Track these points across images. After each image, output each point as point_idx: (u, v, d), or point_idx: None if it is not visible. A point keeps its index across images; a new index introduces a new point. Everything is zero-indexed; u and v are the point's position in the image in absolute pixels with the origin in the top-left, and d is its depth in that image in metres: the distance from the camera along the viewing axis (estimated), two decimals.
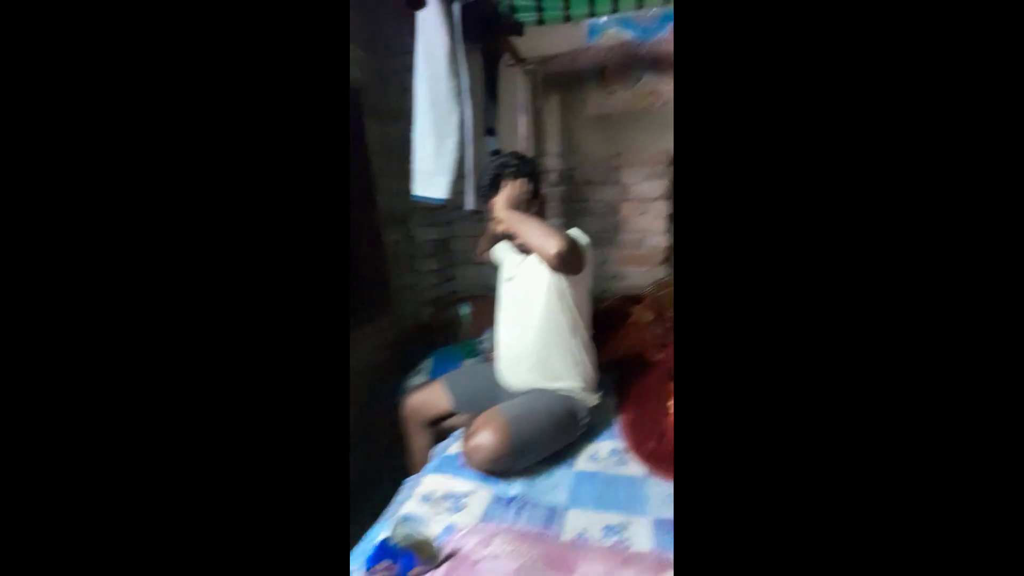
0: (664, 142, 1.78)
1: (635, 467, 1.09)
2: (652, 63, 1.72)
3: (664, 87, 1.75)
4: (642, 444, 1.14)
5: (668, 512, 0.93)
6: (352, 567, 0.77)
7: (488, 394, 1.29)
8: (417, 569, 0.63)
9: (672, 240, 1.83)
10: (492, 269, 2.10)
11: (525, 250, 1.22)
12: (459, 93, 1.20)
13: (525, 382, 1.22)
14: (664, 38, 1.68)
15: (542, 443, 1.10)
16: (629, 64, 1.76)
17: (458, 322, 2.01)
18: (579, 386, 1.21)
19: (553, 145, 1.92)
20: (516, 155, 1.24)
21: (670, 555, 0.75)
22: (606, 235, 1.89)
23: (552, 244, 1.01)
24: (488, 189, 1.19)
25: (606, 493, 1.01)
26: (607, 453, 1.16)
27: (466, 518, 0.91)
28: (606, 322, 1.56)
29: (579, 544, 0.79)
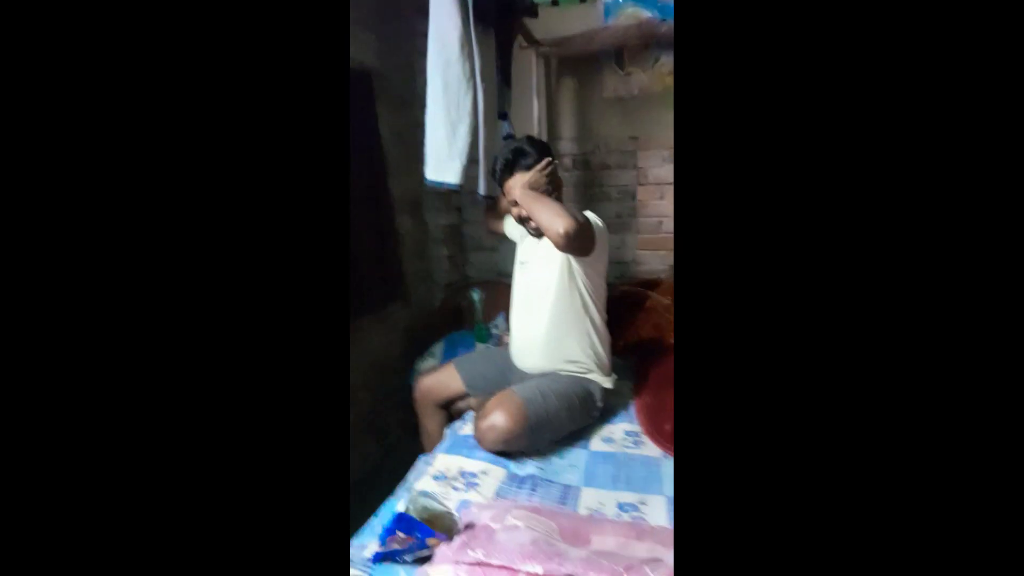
0: None
1: (650, 448, 1.09)
2: (671, 43, 1.68)
3: None
4: (658, 426, 1.13)
5: None
6: (367, 539, 0.80)
7: (500, 376, 1.30)
8: (433, 540, 0.65)
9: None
10: (504, 255, 2.11)
11: (540, 233, 1.22)
12: (472, 76, 1.20)
13: (538, 365, 1.23)
14: None
15: (555, 424, 1.10)
16: (647, 44, 1.72)
17: (470, 307, 2.02)
18: (593, 369, 1.21)
19: (568, 129, 1.90)
20: (531, 139, 1.24)
21: None
22: (623, 220, 1.87)
23: (560, 223, 1.01)
24: (503, 173, 1.19)
25: (621, 473, 1.01)
26: (622, 435, 1.16)
27: (480, 496, 0.93)
28: (623, 306, 1.55)
29: (595, 518, 0.80)
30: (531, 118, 1.78)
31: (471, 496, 0.92)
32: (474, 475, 1.00)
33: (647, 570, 0.56)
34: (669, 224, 1.82)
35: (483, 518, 0.70)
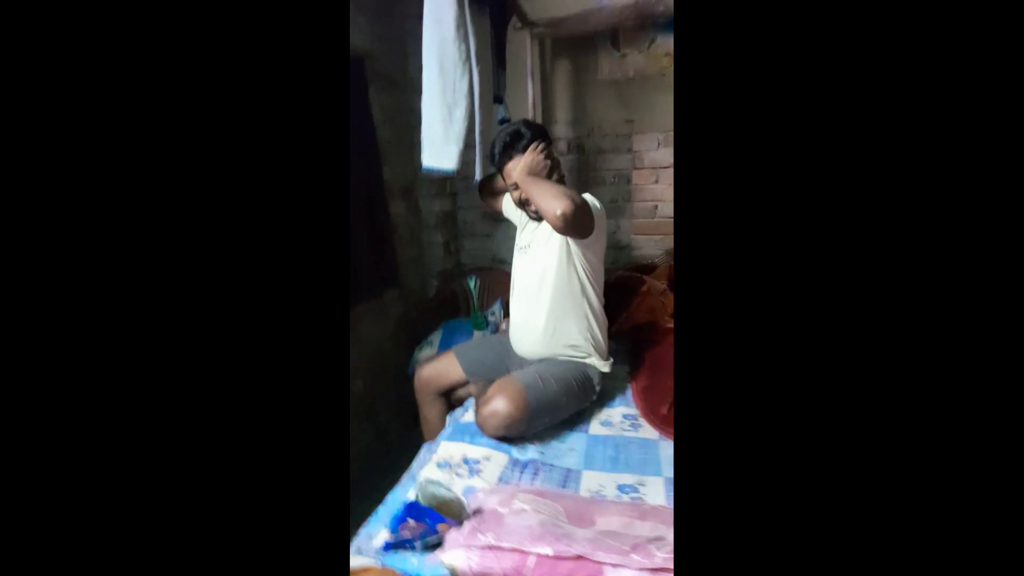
0: None
1: (648, 431, 1.11)
2: (667, 23, 1.66)
3: None
4: (655, 410, 1.15)
5: None
6: (376, 528, 0.80)
7: (499, 363, 1.31)
8: (443, 526, 0.66)
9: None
10: (499, 241, 2.11)
11: (538, 217, 1.21)
12: (468, 59, 1.17)
13: (537, 350, 1.23)
14: None
15: (555, 409, 1.11)
16: (642, 25, 1.70)
17: (466, 294, 2.02)
18: (591, 353, 1.22)
19: (563, 112, 1.88)
20: (528, 122, 1.23)
21: None
22: (618, 205, 1.87)
23: (557, 205, 1.00)
24: (502, 156, 1.19)
25: (620, 455, 1.03)
26: (620, 418, 1.18)
27: (483, 481, 0.94)
28: (619, 291, 1.56)
29: (598, 499, 0.81)
30: (526, 101, 1.76)
31: (475, 482, 0.93)
32: (477, 461, 1.01)
33: (652, 548, 0.58)
34: (664, 208, 1.82)
35: (491, 503, 0.71)
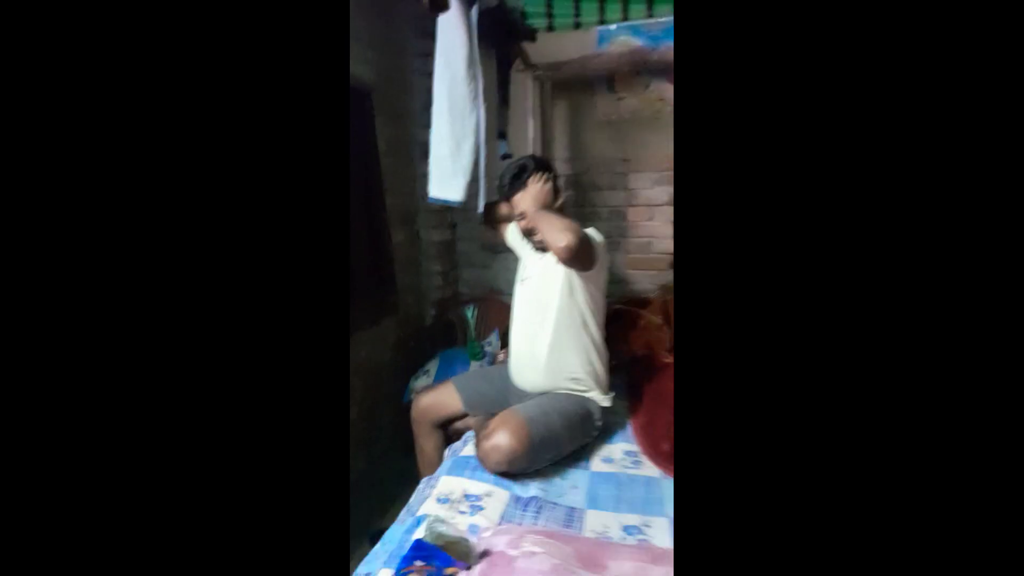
0: (671, 148, 1.80)
1: (649, 468, 1.10)
2: (661, 70, 1.75)
3: (672, 95, 1.77)
4: (656, 447, 1.14)
5: None
6: (376, 567, 0.77)
7: (500, 396, 1.30)
8: (452, 569, 0.64)
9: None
10: (496, 272, 2.12)
11: (542, 249, 1.23)
12: (476, 96, 1.21)
13: (539, 383, 1.23)
14: (672, 47, 1.70)
15: (558, 444, 1.10)
16: (638, 71, 1.78)
17: (464, 324, 2.01)
18: (592, 387, 1.21)
19: (561, 150, 1.94)
20: (535, 157, 1.27)
21: None
22: (612, 240, 1.90)
23: (563, 237, 1.03)
24: (510, 187, 1.21)
25: (623, 494, 1.01)
26: (621, 454, 1.17)
27: (485, 519, 0.91)
28: (615, 325, 1.57)
29: (607, 542, 0.80)
30: (526, 138, 1.81)
31: (478, 520, 0.90)
32: (478, 497, 0.99)
33: None
34: (658, 244, 1.87)
35: (499, 544, 0.69)
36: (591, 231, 1.18)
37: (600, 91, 1.85)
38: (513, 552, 0.66)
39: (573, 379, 1.21)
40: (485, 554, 0.67)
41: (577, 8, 1.48)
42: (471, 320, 1.95)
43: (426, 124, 1.25)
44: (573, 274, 1.16)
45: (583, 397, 1.20)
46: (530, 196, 1.18)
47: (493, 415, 1.17)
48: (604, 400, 1.23)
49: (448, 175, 1.22)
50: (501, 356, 1.73)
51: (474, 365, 1.76)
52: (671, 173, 1.80)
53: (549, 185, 1.20)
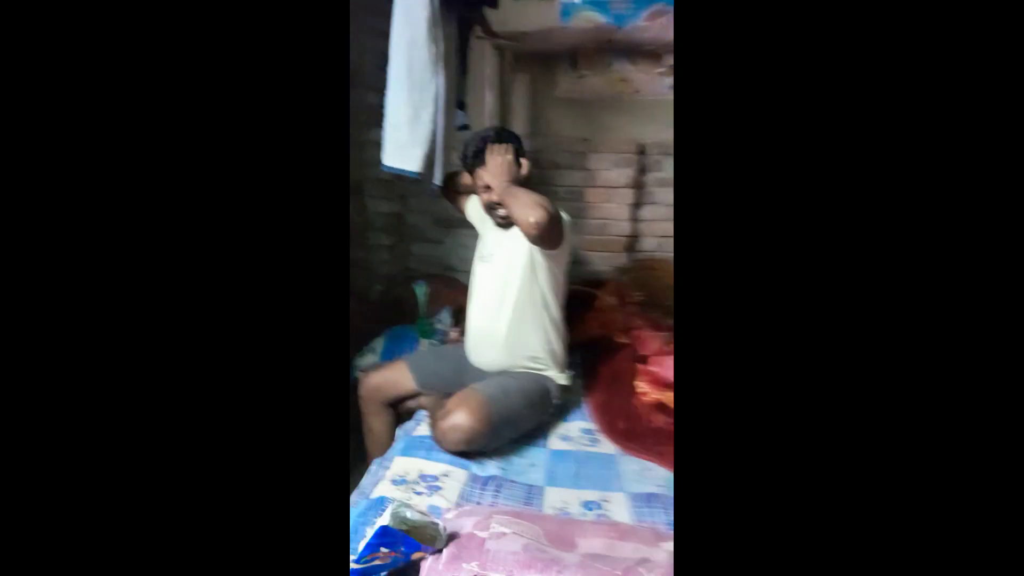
0: (633, 130, 1.81)
1: (607, 446, 1.12)
2: (625, 50, 1.74)
3: (636, 75, 1.77)
4: (612, 424, 1.17)
5: (642, 487, 0.96)
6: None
7: (455, 375, 1.26)
8: (419, 554, 0.61)
9: (634, 228, 1.88)
10: (449, 248, 2.06)
11: (504, 224, 1.20)
12: (438, 62, 1.14)
13: (497, 361, 1.21)
14: (638, 26, 1.69)
15: (517, 422, 1.09)
16: (602, 49, 1.76)
17: (412, 301, 1.94)
18: (551, 365, 1.21)
19: (520, 125, 1.89)
20: (501, 128, 1.23)
21: (666, 528, 0.78)
22: (570, 220, 1.90)
23: (533, 213, 1.01)
24: (473, 159, 1.16)
25: (581, 471, 1.02)
26: (579, 432, 1.18)
27: (443, 499, 0.89)
28: (572, 305, 1.57)
29: (575, 520, 0.80)
30: (484, 110, 1.74)
31: (437, 501, 0.88)
32: (435, 478, 0.96)
33: (642, 571, 0.57)
34: (614, 226, 1.88)
35: (466, 526, 0.67)
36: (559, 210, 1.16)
37: (562, 67, 1.81)
38: (482, 534, 0.64)
39: (532, 358, 1.20)
40: (452, 537, 0.65)
41: None
42: (422, 297, 1.89)
43: (375, 86, 1.17)
44: (536, 252, 1.14)
45: (541, 375, 1.20)
46: (495, 169, 1.14)
47: (448, 394, 1.14)
48: (562, 378, 1.23)
49: (405, 144, 1.14)
50: (453, 335, 1.69)
51: (424, 343, 1.71)
52: (631, 156, 1.81)
53: (513, 158, 1.16)
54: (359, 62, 1.80)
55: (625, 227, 1.87)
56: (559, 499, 0.93)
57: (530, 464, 1.05)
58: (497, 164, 1.14)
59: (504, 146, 1.16)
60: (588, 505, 0.91)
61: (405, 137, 1.15)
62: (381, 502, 0.86)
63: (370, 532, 0.62)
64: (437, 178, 1.36)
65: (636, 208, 1.88)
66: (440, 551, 0.62)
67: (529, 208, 1.01)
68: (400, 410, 1.32)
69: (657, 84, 1.83)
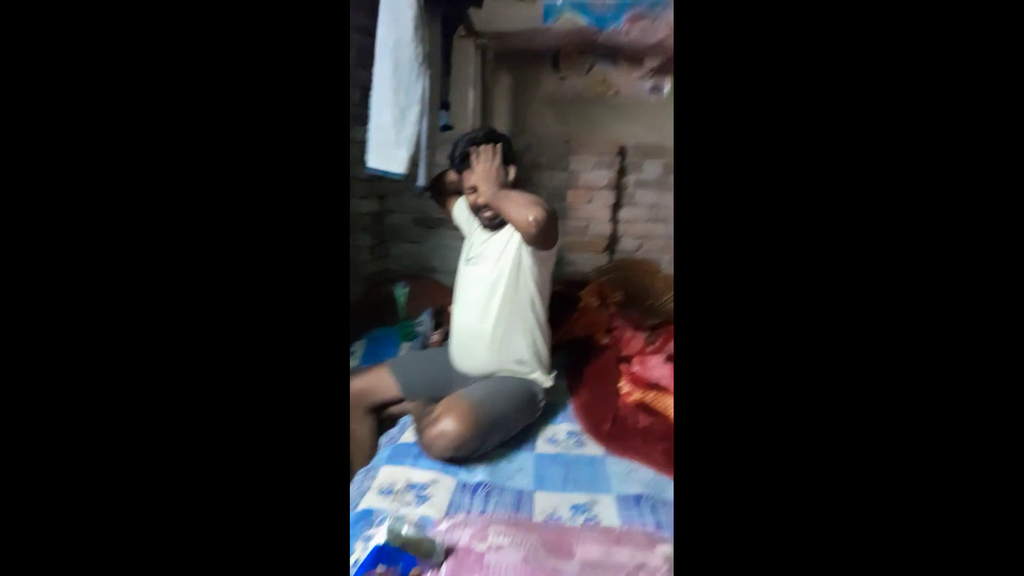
0: (614, 132, 1.82)
1: (593, 447, 1.13)
2: (606, 52, 1.75)
3: (616, 77, 1.78)
4: (598, 426, 1.18)
5: (629, 488, 0.98)
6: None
7: (440, 380, 1.25)
8: (417, 570, 0.60)
9: (614, 229, 1.90)
10: (430, 249, 2.04)
11: (492, 226, 1.19)
12: (423, 62, 1.12)
13: (483, 365, 1.20)
14: (619, 29, 1.70)
15: (505, 427, 1.09)
16: (583, 51, 1.77)
17: (392, 303, 1.92)
18: (536, 368, 1.21)
19: (502, 124, 1.88)
20: (491, 130, 1.22)
21: (656, 530, 0.79)
22: None
23: (531, 211, 1.01)
24: (461, 161, 1.15)
25: (569, 474, 1.03)
26: (565, 435, 1.19)
27: (433, 509, 0.88)
28: (555, 306, 1.58)
29: (571, 527, 0.80)
30: (467, 110, 1.73)
31: (426, 510, 0.87)
32: (424, 486, 0.95)
33: None
34: (596, 227, 1.90)
35: (462, 539, 0.67)
36: None
37: (544, 67, 1.81)
38: (480, 547, 0.64)
39: (518, 360, 1.20)
40: (450, 551, 0.64)
41: None
42: (402, 299, 1.87)
43: (356, 84, 1.13)
44: (525, 254, 1.14)
45: (527, 379, 1.20)
46: (482, 173, 1.13)
47: (433, 400, 1.13)
48: (547, 380, 1.23)
49: (390, 145, 1.12)
50: (435, 337, 1.67)
51: (404, 346, 1.69)
52: (612, 157, 1.83)
53: (500, 162, 1.16)
54: None
55: (606, 228, 1.89)
56: (549, 503, 0.94)
57: (518, 469, 1.05)
58: (484, 169, 1.13)
59: (492, 149, 1.15)
60: (578, 508, 0.92)
61: (390, 138, 1.13)
62: (368, 515, 0.85)
63: (360, 547, 0.61)
64: (421, 179, 1.34)
65: (616, 209, 1.90)
66: (438, 566, 0.62)
67: (527, 207, 1.01)
68: (383, 416, 1.29)
69: (637, 86, 1.85)
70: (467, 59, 1.69)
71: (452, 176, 1.27)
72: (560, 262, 1.94)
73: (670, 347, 1.41)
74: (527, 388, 1.18)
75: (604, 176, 1.84)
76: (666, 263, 1.92)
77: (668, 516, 0.88)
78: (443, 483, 0.97)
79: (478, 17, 1.61)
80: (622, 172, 1.87)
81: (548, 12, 1.74)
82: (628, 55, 1.80)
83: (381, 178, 1.73)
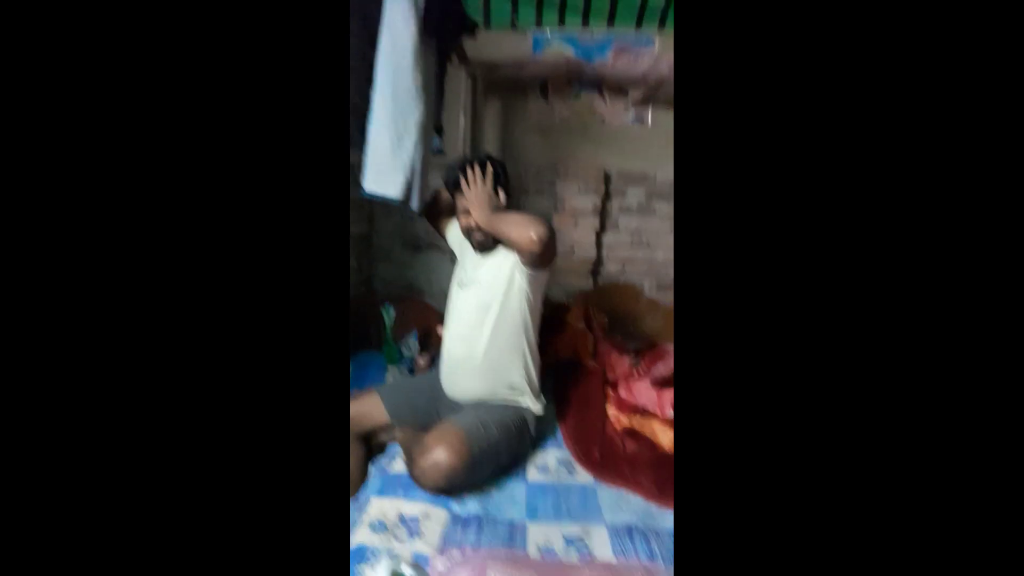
0: (599, 159, 1.87)
1: (583, 476, 1.13)
2: (592, 82, 1.80)
3: (602, 107, 1.84)
4: (587, 454, 1.18)
5: (621, 517, 0.98)
6: None
7: (430, 408, 1.24)
8: None
9: (599, 253, 1.93)
10: (417, 271, 2.03)
11: (483, 249, 1.20)
12: (421, 89, 1.13)
13: (475, 391, 1.19)
14: (605, 62, 1.76)
15: (497, 456, 1.08)
16: (570, 80, 1.82)
17: (380, 325, 1.89)
18: (527, 393, 1.21)
19: (491, 150, 1.91)
20: (488, 156, 1.24)
21: (651, 563, 0.79)
22: None
23: (533, 229, 1.02)
24: (455, 185, 1.16)
25: (561, 504, 1.03)
26: (555, 463, 1.18)
27: (427, 545, 0.86)
28: (542, 328, 1.59)
29: (570, 564, 0.80)
30: (457, 135, 1.75)
31: (420, 546, 0.85)
32: (416, 520, 0.93)
33: None
34: (581, 252, 1.93)
35: None
36: None
37: (533, 96, 1.86)
38: None
39: (509, 385, 1.19)
40: None
41: (515, 7, 1.46)
42: (388, 320, 1.85)
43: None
44: (518, 277, 1.15)
45: (518, 406, 1.19)
46: (475, 199, 1.14)
47: (423, 427, 1.11)
48: (538, 408, 1.23)
49: (387, 169, 1.13)
50: (421, 361, 1.66)
51: (391, 369, 1.67)
52: (597, 183, 1.87)
53: (492, 186, 1.17)
54: None
55: (591, 252, 1.93)
56: (542, 536, 0.93)
57: (509, 499, 1.04)
58: (476, 193, 1.14)
59: (484, 173, 1.16)
60: (570, 540, 0.91)
61: (387, 163, 1.13)
62: (362, 552, 0.82)
63: None
64: (415, 203, 1.34)
65: (600, 234, 1.94)
66: None
67: (527, 226, 1.03)
68: (371, 443, 1.27)
69: (623, 115, 1.91)
70: (458, 86, 1.72)
71: (446, 198, 1.28)
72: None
73: (655, 371, 1.44)
74: (519, 416, 1.17)
75: (589, 202, 1.88)
76: (648, 287, 1.96)
77: (661, 547, 0.88)
78: (435, 516, 0.95)
79: (471, 46, 1.65)
80: (606, 198, 1.91)
81: (537, 44, 1.79)
82: (613, 86, 1.86)
83: (370, 201, 1.74)
